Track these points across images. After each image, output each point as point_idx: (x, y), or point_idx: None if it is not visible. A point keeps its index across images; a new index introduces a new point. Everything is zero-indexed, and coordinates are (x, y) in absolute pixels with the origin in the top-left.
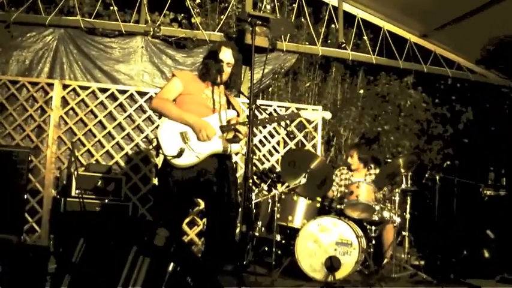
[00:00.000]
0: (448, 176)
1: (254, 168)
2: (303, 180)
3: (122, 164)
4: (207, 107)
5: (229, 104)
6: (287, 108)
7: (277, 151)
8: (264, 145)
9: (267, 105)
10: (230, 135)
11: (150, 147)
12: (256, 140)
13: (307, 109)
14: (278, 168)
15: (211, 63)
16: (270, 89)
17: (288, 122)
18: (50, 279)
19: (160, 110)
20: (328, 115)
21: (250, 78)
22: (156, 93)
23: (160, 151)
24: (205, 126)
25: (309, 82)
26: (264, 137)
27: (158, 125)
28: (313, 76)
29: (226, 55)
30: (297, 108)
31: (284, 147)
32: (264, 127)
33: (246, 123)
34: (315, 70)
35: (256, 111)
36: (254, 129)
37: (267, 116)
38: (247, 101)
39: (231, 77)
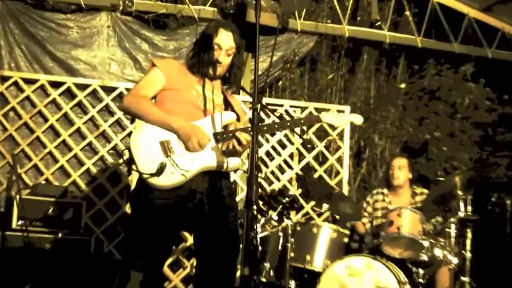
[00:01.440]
0: None
1: (259, 190)
2: (324, 206)
3: (82, 184)
4: (197, 108)
5: (228, 104)
6: (303, 109)
7: (290, 166)
8: (272, 159)
9: (276, 105)
10: (227, 146)
11: (120, 161)
12: (262, 152)
13: (329, 110)
14: (291, 190)
15: (204, 50)
16: (281, 82)
17: (304, 128)
18: None
19: (134, 111)
20: (358, 119)
21: (253, 69)
22: (128, 89)
23: (134, 167)
24: (196, 132)
25: (332, 74)
26: (273, 147)
27: (131, 132)
28: (338, 65)
29: (225, 40)
30: (317, 109)
31: (299, 161)
32: (273, 135)
33: (249, 129)
34: (340, 58)
35: (262, 113)
36: (260, 137)
37: (277, 121)
38: (250, 100)
39: (231, 69)
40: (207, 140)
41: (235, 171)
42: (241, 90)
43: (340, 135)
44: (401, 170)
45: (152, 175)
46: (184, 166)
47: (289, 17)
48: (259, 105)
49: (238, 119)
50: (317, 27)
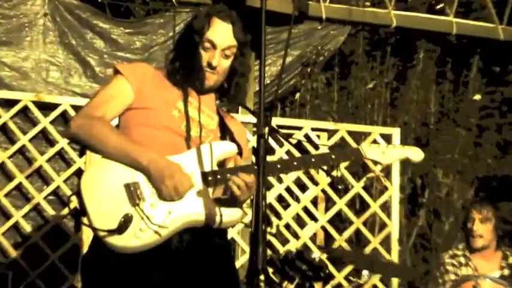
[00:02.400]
0: None
1: (269, 252)
2: (364, 275)
3: (7, 246)
4: (178, 136)
5: (225, 130)
6: (331, 134)
7: (312, 217)
8: (287, 206)
9: (292, 128)
10: (223, 192)
11: (64, 212)
12: (272, 197)
13: (370, 134)
14: (315, 252)
15: (190, 49)
16: (298, 95)
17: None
18: None
19: (87, 140)
20: (417, 155)
21: (258, 75)
22: (76, 107)
23: (85, 221)
24: (172, 172)
25: (373, 81)
26: (288, 189)
27: (81, 170)
28: (382, 69)
29: (222, 34)
30: (351, 134)
31: (326, 210)
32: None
33: (253, 167)
34: (384, 58)
35: (270, 141)
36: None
37: (293, 151)
38: (254, 121)
39: (231, 78)
40: (188, 184)
41: (232, 226)
42: (240, 108)
43: (387, 171)
44: (485, 224)
45: (112, 232)
46: (159, 220)
47: None
48: (266, 129)
49: (240, 153)
50: (351, 13)
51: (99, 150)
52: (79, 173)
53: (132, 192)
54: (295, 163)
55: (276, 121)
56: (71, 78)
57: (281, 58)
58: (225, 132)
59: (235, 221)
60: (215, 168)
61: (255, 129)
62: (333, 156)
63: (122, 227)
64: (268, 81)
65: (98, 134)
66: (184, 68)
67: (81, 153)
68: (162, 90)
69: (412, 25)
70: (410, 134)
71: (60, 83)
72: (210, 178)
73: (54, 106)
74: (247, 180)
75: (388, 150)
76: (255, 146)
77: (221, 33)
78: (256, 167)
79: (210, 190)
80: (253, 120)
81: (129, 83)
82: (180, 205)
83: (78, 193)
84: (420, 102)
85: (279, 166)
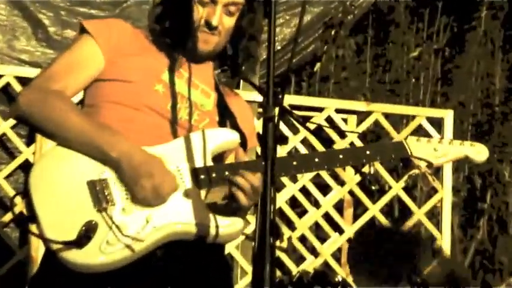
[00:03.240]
0: None
1: (278, 272)
2: None
3: None
4: (163, 118)
5: (225, 112)
6: (362, 117)
7: (336, 227)
8: (302, 212)
9: (310, 110)
10: (218, 194)
11: (6, 218)
12: (282, 201)
13: (415, 119)
14: (340, 273)
15: (183, 3)
16: (319, 65)
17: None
18: None
19: (40, 121)
20: (481, 153)
21: (267, 38)
22: (23, 79)
23: (35, 229)
24: (151, 168)
25: (418, 48)
26: (303, 190)
27: (29, 163)
28: (430, 32)
29: None
30: (388, 118)
31: (355, 218)
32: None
33: (261, 163)
34: (433, 15)
35: (283, 126)
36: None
37: (315, 144)
38: (260, 99)
39: (237, 42)
40: (171, 185)
41: (230, 240)
42: (241, 82)
43: (435, 168)
44: None
45: (70, 245)
46: (133, 230)
47: None
48: (276, 110)
49: (243, 144)
50: None
51: (55, 135)
52: (26, 166)
53: (98, 193)
54: (316, 160)
55: (289, 100)
56: (17, 41)
57: (296, 16)
58: (225, 116)
59: (235, 233)
60: (209, 163)
61: (261, 110)
62: (368, 153)
63: (83, 238)
64: (279, 47)
65: (54, 114)
66: (174, 27)
67: (30, 141)
68: (142, 57)
69: None
70: (468, 118)
71: (2, 48)
72: (202, 177)
73: None
74: (253, 182)
75: (442, 146)
76: (261, 132)
77: None
78: (263, 164)
79: (203, 192)
80: (259, 98)
81: (99, 46)
82: (161, 211)
83: (25, 193)
84: (482, 76)
85: (294, 163)
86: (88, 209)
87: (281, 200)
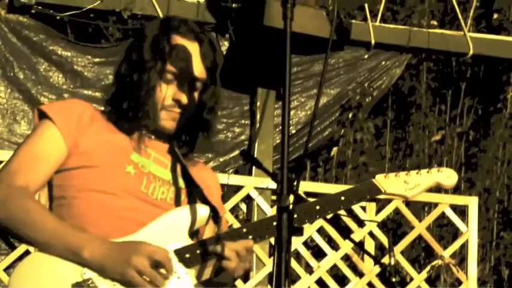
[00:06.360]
0: None
1: None
2: None
3: None
4: (141, 200)
5: (193, 189)
6: (382, 204)
7: None
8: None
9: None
10: (207, 270)
11: None
12: None
13: (437, 206)
14: None
15: (145, 82)
16: (335, 150)
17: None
18: None
19: (8, 223)
20: (449, 177)
21: (281, 122)
22: None
23: None
24: (136, 245)
25: (441, 131)
26: (319, 282)
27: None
28: (454, 114)
29: (189, 59)
30: (409, 204)
31: None
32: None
33: (244, 232)
34: (457, 97)
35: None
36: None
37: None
38: (273, 186)
39: (197, 116)
40: (165, 253)
41: None
42: (253, 168)
43: (460, 258)
44: None
45: None
46: None
47: (352, 15)
48: (291, 198)
49: (215, 217)
50: (411, 36)
51: (25, 238)
52: None
53: None
54: (318, 209)
55: (304, 187)
56: (17, 125)
57: (312, 99)
58: (192, 188)
59: None
60: (188, 241)
61: (274, 197)
62: (343, 198)
63: None
64: (293, 131)
65: (22, 216)
66: (136, 109)
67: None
68: (107, 138)
69: (496, 53)
70: (494, 205)
71: (2, 132)
72: (187, 256)
73: None
74: (237, 249)
75: (411, 177)
76: (275, 222)
77: (188, 60)
78: (251, 238)
79: (193, 271)
80: (273, 185)
81: (60, 132)
82: None
83: None
84: (508, 160)
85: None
86: None
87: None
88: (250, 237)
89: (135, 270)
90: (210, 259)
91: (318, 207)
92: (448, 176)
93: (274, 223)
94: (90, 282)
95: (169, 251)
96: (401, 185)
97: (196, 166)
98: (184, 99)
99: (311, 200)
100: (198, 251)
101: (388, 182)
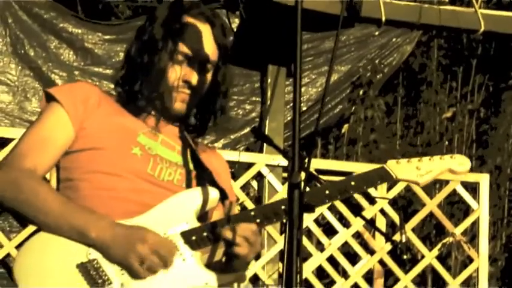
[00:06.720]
0: None
1: None
2: None
3: None
4: (148, 182)
5: (202, 172)
6: (393, 182)
7: None
8: (329, 283)
9: (337, 174)
10: (216, 254)
11: None
12: (309, 270)
13: (448, 184)
14: None
15: (156, 63)
16: (346, 127)
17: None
18: None
19: (15, 206)
20: (462, 164)
21: (292, 99)
22: None
23: None
24: (142, 233)
25: (451, 108)
26: (331, 260)
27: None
28: (465, 90)
29: (200, 41)
30: None
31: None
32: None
33: (248, 214)
34: (468, 74)
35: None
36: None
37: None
38: (284, 163)
39: (211, 98)
40: (170, 246)
41: None
42: (264, 145)
43: (471, 235)
44: None
45: None
46: None
47: None
48: (302, 176)
49: (223, 199)
50: (421, 12)
51: (33, 220)
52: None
53: (92, 275)
54: (324, 192)
55: (315, 164)
56: (28, 103)
57: (323, 76)
58: (202, 172)
59: None
60: (195, 224)
61: (285, 175)
62: (353, 184)
63: None
64: (304, 108)
65: (31, 198)
66: (147, 90)
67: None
68: (114, 120)
69: (507, 29)
70: (505, 182)
71: (13, 110)
72: (194, 238)
73: (4, 142)
74: (247, 234)
75: (423, 164)
76: (287, 199)
77: (199, 41)
78: (257, 221)
79: (199, 254)
80: (284, 162)
81: (68, 114)
82: (169, 279)
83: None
84: None
85: (317, 196)
86: None
87: (307, 270)
88: (258, 220)
89: (137, 257)
90: (217, 242)
91: (327, 192)
92: (461, 163)
93: (283, 207)
94: (95, 262)
95: (175, 233)
96: (413, 171)
97: (206, 151)
98: (194, 80)
99: (324, 178)
100: (204, 234)
101: (400, 168)
